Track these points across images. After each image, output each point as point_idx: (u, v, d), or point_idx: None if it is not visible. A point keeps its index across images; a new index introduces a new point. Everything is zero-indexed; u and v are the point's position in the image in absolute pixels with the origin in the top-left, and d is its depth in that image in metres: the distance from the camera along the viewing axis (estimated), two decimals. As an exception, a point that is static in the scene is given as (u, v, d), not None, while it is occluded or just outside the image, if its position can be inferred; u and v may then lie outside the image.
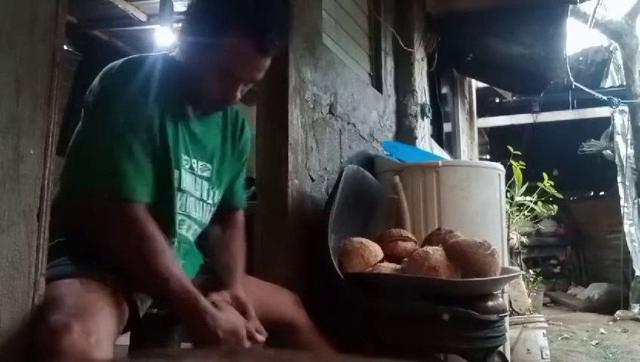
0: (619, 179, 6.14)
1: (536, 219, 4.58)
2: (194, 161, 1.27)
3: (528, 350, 3.00)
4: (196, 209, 1.29)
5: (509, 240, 3.53)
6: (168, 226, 1.21)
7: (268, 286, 1.49)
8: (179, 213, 1.24)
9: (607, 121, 6.52)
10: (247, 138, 1.45)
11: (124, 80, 1.16)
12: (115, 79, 1.16)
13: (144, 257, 1.08)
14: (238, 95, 1.23)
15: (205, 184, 1.30)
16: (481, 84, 6.25)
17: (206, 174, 1.30)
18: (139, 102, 1.14)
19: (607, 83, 6.96)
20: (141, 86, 1.15)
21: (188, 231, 1.28)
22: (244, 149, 1.45)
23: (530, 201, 4.07)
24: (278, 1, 1.22)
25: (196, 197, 1.28)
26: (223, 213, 1.42)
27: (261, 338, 1.14)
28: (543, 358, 3.02)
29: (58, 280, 1.04)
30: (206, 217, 1.33)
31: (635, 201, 5.98)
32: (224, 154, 1.36)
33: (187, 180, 1.25)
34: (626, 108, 6.10)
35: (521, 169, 3.84)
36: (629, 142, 6.07)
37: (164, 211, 1.20)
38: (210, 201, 1.33)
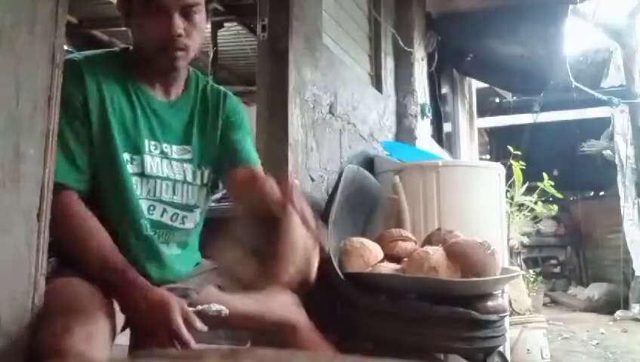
0: (619, 179, 6.15)
1: (536, 219, 4.58)
2: (165, 145, 1.27)
3: (528, 350, 3.00)
4: (176, 193, 1.28)
5: (509, 240, 3.53)
6: (128, 212, 1.20)
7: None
8: (147, 199, 1.23)
9: (607, 121, 6.53)
10: (233, 106, 1.41)
11: (63, 77, 1.13)
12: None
13: (79, 241, 1.09)
14: (177, 30, 1.19)
15: (188, 166, 1.30)
16: (481, 84, 6.25)
17: (187, 156, 1.30)
18: (75, 97, 1.15)
19: (607, 83, 6.97)
20: (80, 81, 1.16)
21: (163, 215, 1.26)
22: (234, 117, 1.40)
23: (530, 201, 4.07)
24: None
25: (175, 180, 1.27)
26: (239, 171, 1.35)
27: (199, 325, 1.06)
28: (543, 358, 3.02)
29: (59, 280, 1.05)
30: (193, 199, 1.31)
31: (635, 201, 5.98)
32: (205, 131, 1.35)
33: (155, 165, 1.24)
34: (626, 108, 6.11)
35: (521, 169, 3.84)
36: (629, 142, 6.08)
37: (120, 197, 1.19)
38: (197, 182, 1.32)
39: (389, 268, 1.64)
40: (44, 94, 0.95)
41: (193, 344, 1.03)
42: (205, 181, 1.34)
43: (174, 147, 1.29)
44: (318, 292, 1.60)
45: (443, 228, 1.80)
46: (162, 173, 1.26)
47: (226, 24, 4.18)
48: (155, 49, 1.21)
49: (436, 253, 1.54)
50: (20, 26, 0.91)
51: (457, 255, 1.55)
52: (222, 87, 1.44)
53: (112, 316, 1.05)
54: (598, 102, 6.11)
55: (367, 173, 2.16)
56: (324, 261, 1.21)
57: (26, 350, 0.90)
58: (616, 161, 6.22)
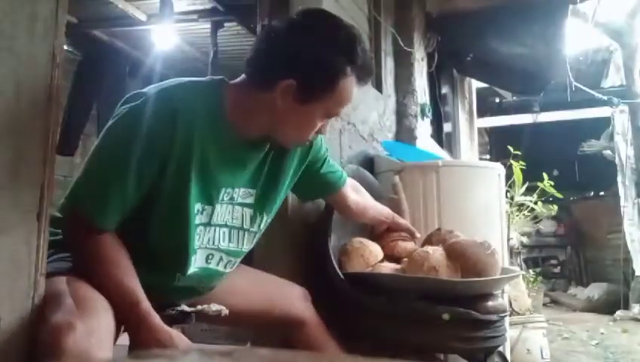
0: (619, 179, 6.15)
1: (536, 219, 4.58)
2: (236, 189, 1.21)
3: (528, 350, 3.00)
4: (232, 240, 1.24)
5: (509, 240, 3.53)
6: (175, 263, 1.18)
7: (276, 280, 1.49)
8: (206, 248, 1.20)
9: (607, 121, 6.53)
10: (318, 147, 1.40)
11: (153, 113, 1.08)
12: (143, 108, 1.09)
13: (104, 276, 1.07)
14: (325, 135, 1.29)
15: (247, 211, 1.25)
16: (481, 84, 6.25)
17: (248, 201, 1.24)
18: (159, 141, 1.08)
19: (607, 83, 6.97)
20: (171, 124, 1.08)
21: (219, 264, 1.24)
22: (318, 152, 1.41)
23: (530, 201, 4.07)
24: (350, 26, 1.20)
25: (233, 226, 1.23)
26: (337, 199, 1.53)
27: None
28: (543, 358, 3.02)
29: (60, 276, 1.05)
30: (247, 246, 1.28)
31: (635, 201, 5.98)
32: (273, 176, 1.29)
33: (222, 213, 1.20)
34: (626, 108, 6.11)
35: (521, 169, 3.84)
36: (629, 142, 6.08)
37: (175, 248, 1.16)
38: (254, 229, 1.28)
39: (389, 268, 1.64)
40: (45, 94, 0.95)
41: None
42: (262, 227, 1.30)
43: (241, 190, 1.23)
44: (317, 292, 1.60)
45: (443, 228, 1.80)
46: (223, 220, 1.21)
47: (226, 24, 4.18)
48: (299, 139, 1.23)
49: (436, 253, 1.54)
50: (20, 26, 0.91)
51: (457, 255, 1.55)
52: None
53: (113, 315, 1.05)
54: (598, 102, 6.10)
55: (367, 172, 2.15)
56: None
57: (26, 349, 0.90)
58: (616, 161, 6.23)
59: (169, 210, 1.13)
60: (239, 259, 1.31)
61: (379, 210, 1.69)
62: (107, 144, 1.11)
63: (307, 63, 1.12)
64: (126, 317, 1.06)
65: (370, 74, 1.21)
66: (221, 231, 1.22)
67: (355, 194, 1.61)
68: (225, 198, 1.20)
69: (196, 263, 1.20)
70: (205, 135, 1.13)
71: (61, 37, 0.99)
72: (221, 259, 1.24)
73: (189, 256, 1.17)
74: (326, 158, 1.44)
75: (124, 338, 1.18)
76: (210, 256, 1.22)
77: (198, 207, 1.15)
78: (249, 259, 1.84)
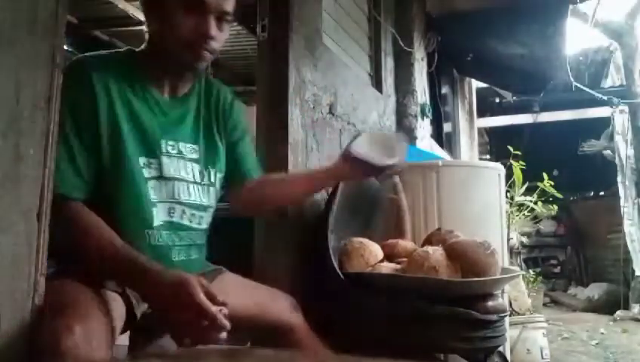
0: (619, 179, 6.16)
1: (536, 219, 4.58)
2: (182, 144, 1.28)
3: (528, 350, 3.00)
4: (190, 193, 1.28)
5: (509, 240, 3.53)
6: (138, 220, 1.19)
7: (264, 289, 1.49)
8: (167, 201, 1.23)
9: (607, 121, 6.53)
10: (239, 115, 1.45)
11: (71, 80, 1.13)
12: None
13: (89, 243, 1.09)
14: (212, 32, 1.21)
15: (196, 166, 1.30)
16: (481, 84, 6.25)
17: (194, 156, 1.30)
18: (83, 101, 1.15)
19: (607, 83, 6.98)
20: (88, 84, 1.16)
21: (183, 217, 1.27)
22: (238, 121, 1.44)
23: (530, 201, 4.08)
24: None
25: (188, 180, 1.28)
26: (242, 190, 1.45)
27: (221, 300, 1.04)
28: (543, 358, 3.02)
29: (56, 280, 1.05)
30: (205, 199, 1.32)
31: (635, 201, 5.99)
32: (210, 131, 1.36)
33: (172, 166, 1.24)
34: (626, 108, 6.12)
35: (521, 169, 3.84)
36: (629, 142, 6.08)
37: (132, 204, 1.19)
38: (205, 182, 1.32)
39: (389, 268, 1.64)
40: (44, 94, 0.95)
41: (222, 319, 1.02)
42: (212, 180, 1.35)
43: (187, 146, 1.29)
44: (317, 292, 1.61)
45: (443, 228, 1.80)
46: (179, 174, 1.26)
47: (226, 24, 4.18)
48: (184, 47, 1.21)
49: (436, 253, 1.54)
50: (20, 26, 0.91)
51: (457, 255, 1.55)
52: (221, 84, 1.45)
53: (114, 316, 1.05)
54: (598, 102, 6.11)
55: (367, 173, 2.15)
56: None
57: (26, 350, 0.90)
58: (616, 161, 6.23)
59: (118, 171, 1.17)
60: (206, 214, 1.33)
61: (315, 175, 1.58)
62: None
63: None
64: (130, 278, 1.08)
65: None
66: (178, 184, 1.25)
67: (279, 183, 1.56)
68: (171, 151, 1.25)
69: (159, 216, 1.22)
70: (126, 91, 1.21)
71: (61, 37, 0.99)
72: (184, 211, 1.27)
73: (149, 208, 1.20)
74: (245, 137, 1.47)
75: (124, 339, 1.18)
76: (172, 210, 1.25)
77: (143, 160, 1.20)
78: (249, 259, 1.85)
